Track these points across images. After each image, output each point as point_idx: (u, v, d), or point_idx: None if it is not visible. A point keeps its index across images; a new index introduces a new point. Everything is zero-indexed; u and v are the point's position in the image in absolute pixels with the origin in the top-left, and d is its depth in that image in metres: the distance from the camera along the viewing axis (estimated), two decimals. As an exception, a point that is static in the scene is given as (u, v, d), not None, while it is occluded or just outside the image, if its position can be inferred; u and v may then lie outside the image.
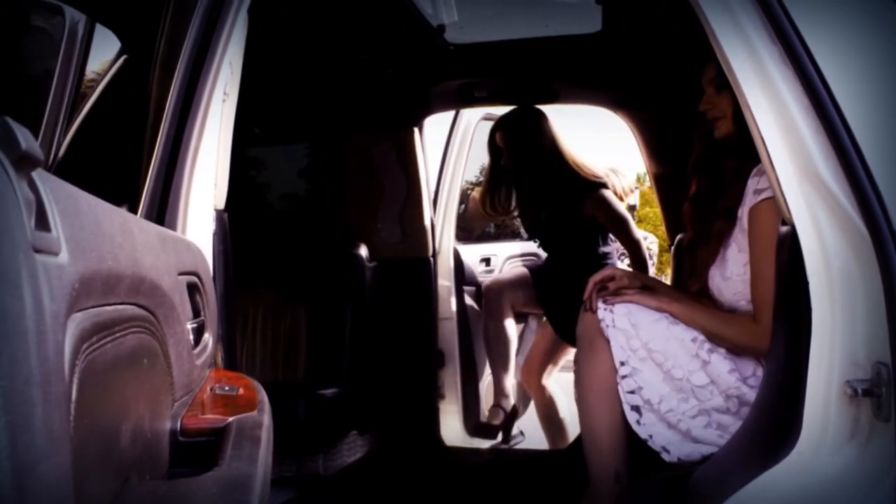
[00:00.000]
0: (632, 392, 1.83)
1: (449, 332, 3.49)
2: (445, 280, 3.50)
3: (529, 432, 4.07)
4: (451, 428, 3.46)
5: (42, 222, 0.48)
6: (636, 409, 1.82)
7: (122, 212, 0.79)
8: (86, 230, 0.57)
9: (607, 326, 1.87)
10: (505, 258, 3.85)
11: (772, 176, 1.45)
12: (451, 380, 3.49)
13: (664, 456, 1.79)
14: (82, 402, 0.56)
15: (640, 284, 1.99)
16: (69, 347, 0.51)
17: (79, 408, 0.55)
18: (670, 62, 2.82)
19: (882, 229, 1.28)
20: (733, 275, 1.87)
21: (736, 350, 1.82)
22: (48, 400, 0.42)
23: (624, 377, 1.83)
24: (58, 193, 0.53)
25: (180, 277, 1.06)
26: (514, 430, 3.90)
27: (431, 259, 3.41)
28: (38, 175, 0.51)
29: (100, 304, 0.62)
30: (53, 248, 0.49)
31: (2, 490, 0.36)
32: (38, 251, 0.46)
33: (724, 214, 1.92)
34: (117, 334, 0.69)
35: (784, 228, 1.49)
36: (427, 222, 3.40)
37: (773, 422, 1.50)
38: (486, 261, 3.76)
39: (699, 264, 2.01)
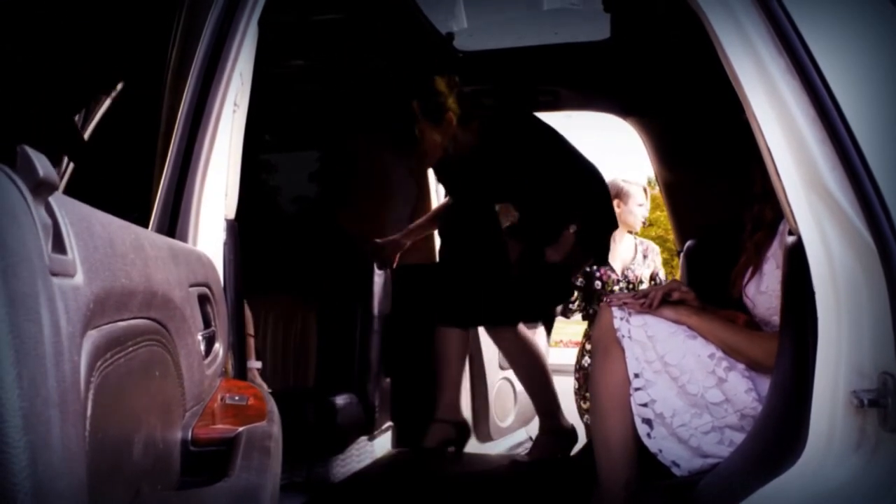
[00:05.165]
0: (644, 405, 1.83)
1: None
2: (455, 286, 3.50)
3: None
4: (461, 433, 3.46)
5: (58, 245, 0.50)
6: (647, 422, 1.82)
7: (135, 228, 0.81)
8: (99, 250, 0.59)
9: (623, 336, 1.87)
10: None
11: (777, 185, 1.46)
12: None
13: (674, 470, 1.79)
14: (96, 416, 0.57)
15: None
16: (84, 365, 0.52)
17: (93, 423, 0.56)
18: (678, 69, 2.83)
19: (888, 239, 1.29)
20: (768, 289, 1.84)
21: (755, 367, 1.81)
22: (65, 419, 0.44)
23: (637, 389, 1.83)
24: (73, 215, 0.55)
25: (191, 289, 1.08)
26: (524, 436, 3.91)
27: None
28: (54, 198, 0.53)
29: (113, 320, 0.64)
30: (69, 270, 0.50)
31: (21, 509, 0.37)
32: (54, 274, 0.47)
33: (765, 225, 1.89)
34: (130, 349, 0.70)
35: (790, 238, 1.49)
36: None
37: (780, 431, 1.50)
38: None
39: (735, 273, 1.99)
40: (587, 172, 2.97)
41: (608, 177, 3.99)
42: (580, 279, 3.83)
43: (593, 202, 2.98)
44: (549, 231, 2.97)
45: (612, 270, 3.80)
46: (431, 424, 3.03)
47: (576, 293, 3.84)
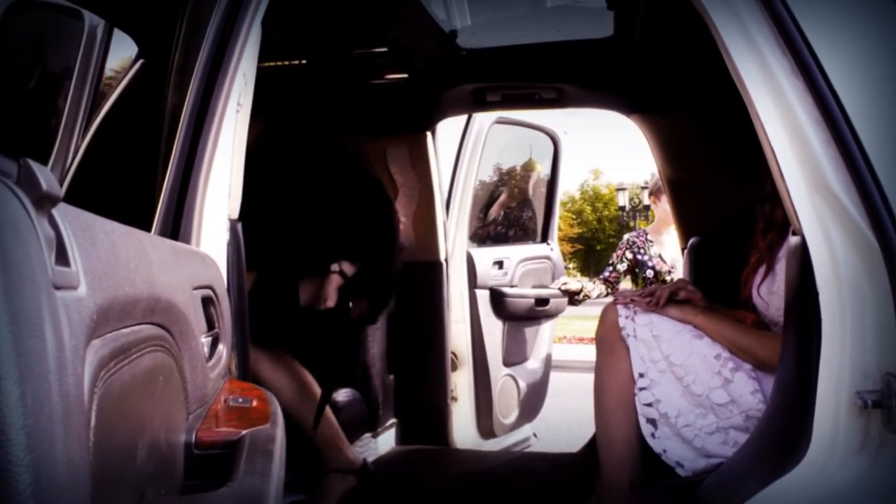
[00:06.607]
0: (648, 405, 1.82)
1: (461, 336, 3.50)
2: (458, 283, 3.51)
3: (542, 434, 4.09)
4: (464, 431, 3.47)
5: (62, 258, 0.50)
6: (652, 422, 1.82)
7: (137, 233, 0.81)
8: (103, 260, 0.59)
9: (628, 336, 1.86)
10: (518, 261, 3.86)
11: (782, 187, 1.46)
12: (464, 383, 3.51)
13: (678, 471, 1.79)
14: (100, 426, 0.57)
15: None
16: (88, 377, 0.53)
17: (97, 433, 0.56)
18: (682, 66, 2.82)
19: (891, 240, 1.29)
20: (780, 290, 1.82)
21: (763, 368, 1.80)
22: (69, 433, 0.44)
23: (641, 389, 1.83)
24: (75, 226, 0.55)
25: (195, 292, 1.08)
26: (527, 433, 3.91)
27: (444, 262, 3.42)
28: (57, 208, 0.53)
29: (117, 328, 0.64)
30: (73, 282, 0.50)
31: (25, 527, 0.37)
32: (58, 288, 0.47)
33: (777, 226, 1.89)
34: (133, 356, 0.70)
35: (794, 239, 1.49)
36: (440, 226, 3.42)
37: (783, 432, 1.50)
38: (500, 264, 3.76)
39: (746, 273, 1.98)
40: (366, 200, 2.51)
41: (648, 173, 3.99)
42: (625, 265, 3.82)
43: (372, 238, 2.49)
44: (306, 269, 2.49)
45: (663, 261, 3.79)
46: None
47: (597, 287, 3.83)
